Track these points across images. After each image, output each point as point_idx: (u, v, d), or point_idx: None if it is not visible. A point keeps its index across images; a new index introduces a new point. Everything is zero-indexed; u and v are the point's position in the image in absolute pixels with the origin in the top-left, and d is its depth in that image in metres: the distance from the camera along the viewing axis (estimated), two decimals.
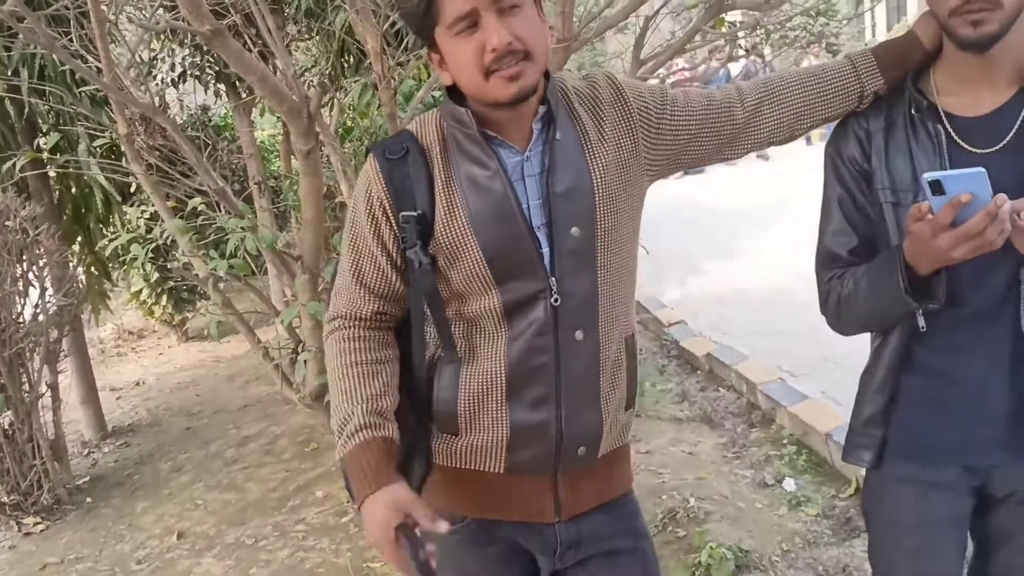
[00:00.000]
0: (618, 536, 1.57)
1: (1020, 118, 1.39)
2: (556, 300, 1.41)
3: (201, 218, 2.87)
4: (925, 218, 1.26)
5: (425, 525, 1.34)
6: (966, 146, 1.40)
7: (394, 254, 1.46)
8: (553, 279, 1.40)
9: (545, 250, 1.41)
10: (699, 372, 5.10)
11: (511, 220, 1.39)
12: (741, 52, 3.23)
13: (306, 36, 4.92)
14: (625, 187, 1.47)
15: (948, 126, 1.43)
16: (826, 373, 4.59)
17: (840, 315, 1.55)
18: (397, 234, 1.44)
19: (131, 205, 6.34)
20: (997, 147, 1.39)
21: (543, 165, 1.41)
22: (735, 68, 10.38)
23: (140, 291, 7.22)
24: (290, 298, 2.84)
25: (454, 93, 1.45)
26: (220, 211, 2.82)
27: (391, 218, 1.44)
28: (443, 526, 1.35)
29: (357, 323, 1.51)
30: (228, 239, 2.44)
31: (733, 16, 3.58)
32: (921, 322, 1.44)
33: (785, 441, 3.93)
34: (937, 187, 1.22)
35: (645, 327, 6.08)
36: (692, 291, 6.87)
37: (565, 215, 1.40)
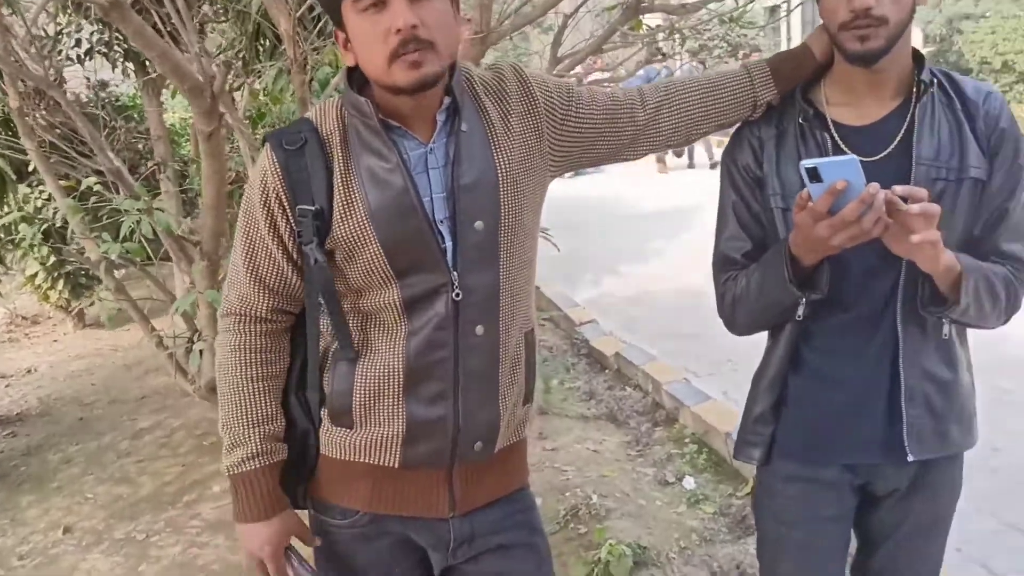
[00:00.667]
0: (512, 530, 1.57)
1: (903, 128, 1.45)
2: (457, 295, 1.39)
3: (95, 199, 2.74)
4: (807, 207, 1.29)
5: (308, 545, 1.56)
6: (852, 153, 1.44)
7: (291, 249, 1.42)
8: (455, 273, 1.39)
9: (448, 244, 1.39)
10: (607, 371, 5.16)
11: (412, 215, 1.36)
12: (658, 56, 3.30)
13: (222, 17, 4.78)
14: (529, 180, 1.46)
15: (835, 134, 1.48)
16: (729, 374, 4.71)
17: (735, 314, 1.58)
18: (294, 228, 1.40)
19: (27, 185, 6.04)
20: (881, 155, 1.45)
21: (447, 157, 1.39)
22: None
23: (35, 275, 6.88)
24: (189, 285, 2.74)
25: (355, 80, 1.41)
26: (119, 193, 2.70)
27: (287, 211, 1.40)
28: (317, 542, 1.56)
29: (252, 325, 1.47)
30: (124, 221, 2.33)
31: (654, 20, 3.63)
32: (800, 312, 1.48)
33: (687, 440, 4.00)
34: (815, 175, 1.26)
35: (556, 325, 6.12)
36: (605, 291, 6.95)
37: (469, 208, 1.39)
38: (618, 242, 8.44)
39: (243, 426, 1.47)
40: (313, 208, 1.37)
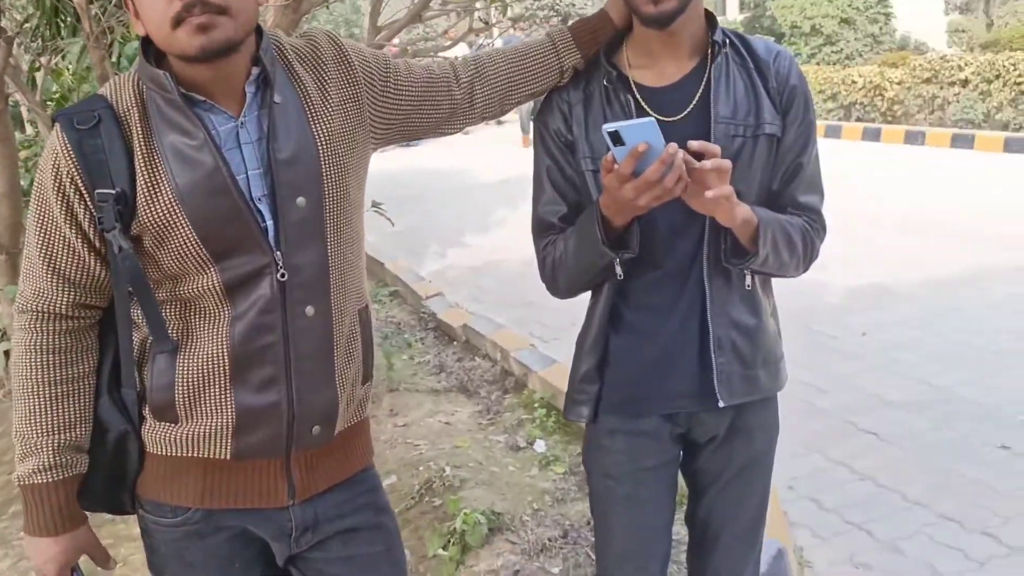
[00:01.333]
0: (358, 512, 1.53)
1: (700, 88, 1.51)
2: (283, 275, 1.33)
3: None
4: (613, 170, 1.32)
5: (101, 566, 1.49)
6: (655, 115, 1.49)
7: (92, 236, 1.32)
8: (279, 253, 1.32)
9: (269, 223, 1.32)
10: (456, 343, 5.17)
11: (224, 193, 1.28)
12: (480, 25, 3.29)
13: None
14: (352, 153, 1.41)
15: (638, 96, 1.52)
16: (572, 337, 4.80)
17: (556, 278, 1.62)
18: (93, 214, 1.30)
19: None
20: (681, 115, 1.51)
21: (261, 131, 1.32)
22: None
23: None
24: None
25: (152, 52, 1.32)
26: None
27: (85, 197, 1.29)
28: (114, 565, 1.50)
29: (51, 323, 1.36)
30: None
31: None
32: (619, 271, 1.52)
33: (536, 405, 4.08)
34: (617, 138, 1.29)
35: (404, 300, 6.08)
36: (450, 263, 6.97)
37: (289, 184, 1.32)
38: (457, 212, 8.47)
39: (37, 434, 1.36)
40: (114, 192, 1.27)
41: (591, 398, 1.64)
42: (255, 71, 1.33)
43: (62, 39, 4.06)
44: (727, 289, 1.55)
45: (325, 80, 1.40)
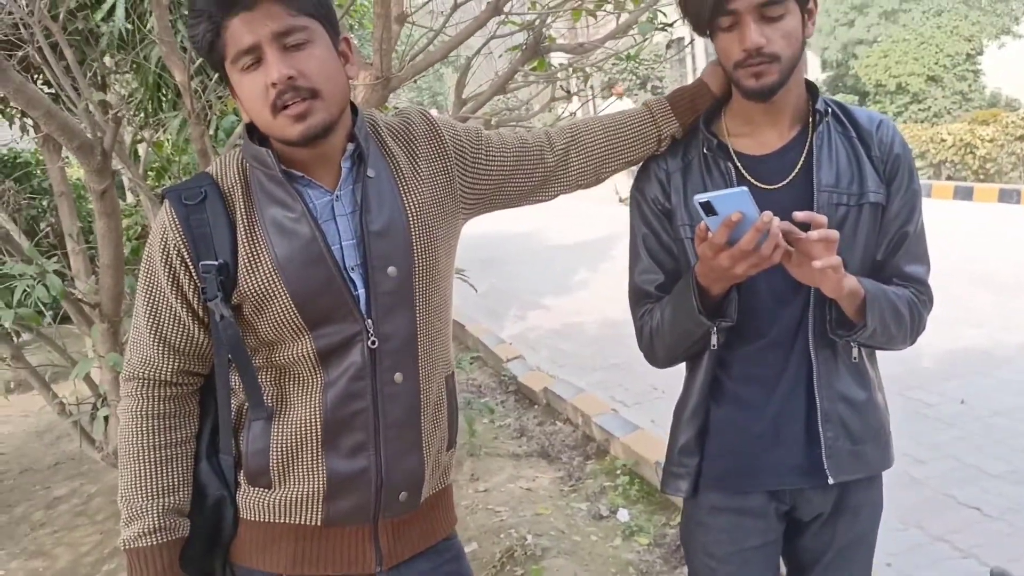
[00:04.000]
0: None
1: (803, 156, 1.49)
2: (373, 343, 1.36)
3: None
4: (707, 239, 1.30)
5: None
6: (755, 182, 1.49)
7: (196, 306, 1.37)
8: (369, 321, 1.36)
9: (360, 291, 1.36)
10: (537, 406, 5.14)
11: (320, 263, 1.33)
12: (562, 93, 3.34)
13: (123, 70, 4.67)
14: (441, 224, 1.44)
15: (738, 163, 1.51)
16: (655, 402, 4.74)
17: (653, 347, 1.59)
18: (198, 284, 1.35)
19: None
20: (783, 183, 1.49)
21: (355, 204, 1.37)
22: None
23: None
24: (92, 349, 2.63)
25: (256, 131, 1.38)
26: (11, 257, 2.58)
27: (190, 268, 1.35)
28: None
29: (157, 389, 1.41)
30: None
31: (559, 58, 3.68)
32: (714, 340, 1.49)
33: (619, 472, 4.00)
34: (709, 208, 1.27)
35: (484, 363, 6.09)
36: (530, 325, 6.96)
37: (381, 254, 1.36)
38: (541, 275, 8.49)
39: (143, 498, 1.39)
40: (217, 263, 1.33)
41: (691, 472, 1.59)
42: (350, 147, 1.38)
43: (163, 113, 4.29)
44: (834, 361, 1.51)
45: (416, 154, 1.45)
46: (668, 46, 4.62)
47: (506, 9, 2.34)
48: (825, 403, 1.50)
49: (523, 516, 3.69)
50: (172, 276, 1.36)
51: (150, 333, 1.39)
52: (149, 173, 4.10)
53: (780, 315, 1.49)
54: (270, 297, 1.33)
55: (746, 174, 1.50)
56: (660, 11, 2.49)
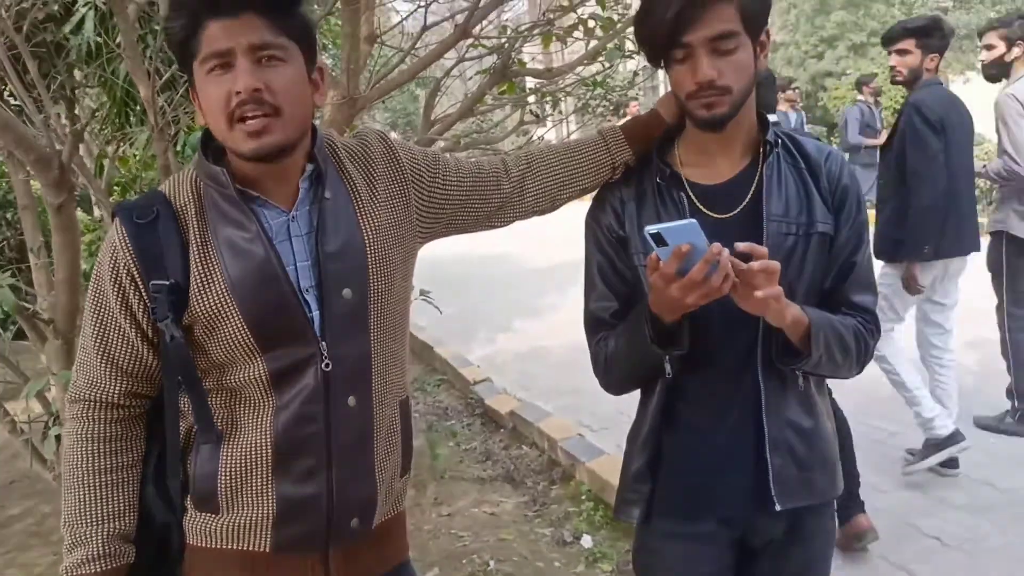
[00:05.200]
0: None
1: (753, 186, 1.51)
2: (327, 365, 1.34)
3: None
4: (658, 268, 1.31)
5: None
6: (707, 212, 1.50)
7: (145, 327, 1.35)
8: (323, 343, 1.34)
9: (315, 313, 1.34)
10: (503, 430, 5.11)
11: (275, 283, 1.31)
12: (531, 117, 3.36)
13: (92, 84, 4.62)
14: (397, 247, 1.43)
15: (691, 193, 1.52)
16: (622, 427, 4.71)
17: (608, 374, 1.59)
18: (147, 305, 1.33)
19: None
20: (735, 212, 1.50)
21: (311, 225, 1.36)
22: None
23: None
24: (44, 367, 2.57)
25: (211, 149, 1.37)
26: None
27: (140, 287, 1.33)
28: None
29: (103, 412, 1.38)
30: None
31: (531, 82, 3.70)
32: (668, 369, 1.50)
33: (584, 497, 3.98)
34: (660, 239, 1.28)
35: (452, 385, 6.06)
36: (499, 348, 6.94)
37: (336, 276, 1.35)
38: (506, 298, 8.48)
39: (87, 524, 1.36)
40: (167, 283, 1.30)
41: (643, 498, 1.59)
42: (309, 167, 1.37)
43: (131, 127, 4.24)
44: (782, 389, 1.52)
45: (374, 177, 1.44)
46: (636, 73, 4.66)
47: (476, 32, 2.34)
48: (773, 430, 1.51)
49: (486, 541, 3.66)
50: (121, 295, 1.34)
51: (97, 353, 1.36)
52: (115, 188, 4.04)
53: (732, 343, 1.50)
54: (222, 318, 1.31)
55: (698, 203, 1.51)
56: (628, 38, 2.51)
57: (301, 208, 1.37)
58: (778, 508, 1.51)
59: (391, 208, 1.44)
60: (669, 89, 1.54)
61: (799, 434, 1.53)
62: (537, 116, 3.09)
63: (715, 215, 1.49)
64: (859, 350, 1.52)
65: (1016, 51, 4.19)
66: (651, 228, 1.27)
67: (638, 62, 2.80)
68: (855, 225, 1.52)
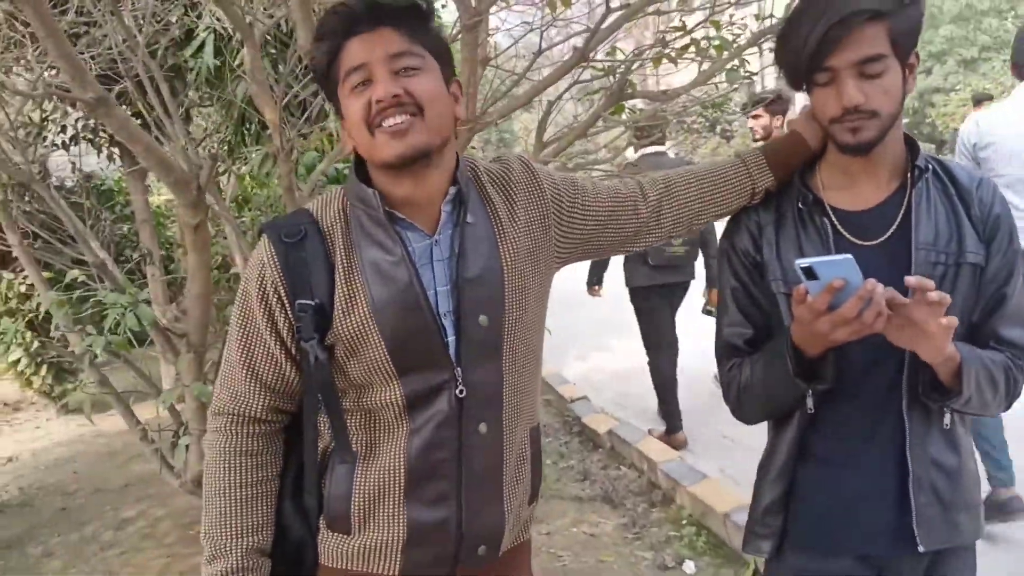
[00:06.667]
0: None
1: (901, 212, 1.45)
2: (461, 391, 1.34)
3: (80, 290, 2.70)
4: (805, 301, 1.27)
5: None
6: (851, 238, 1.45)
7: (289, 345, 1.37)
8: (459, 369, 1.34)
9: (451, 339, 1.35)
10: (601, 449, 5.08)
11: (416, 310, 1.32)
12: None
13: (207, 103, 4.82)
14: (535, 273, 1.43)
15: (834, 219, 1.47)
16: (724, 451, 4.64)
17: (742, 404, 1.55)
18: (293, 324, 1.35)
19: (10, 271, 6.00)
20: (881, 239, 1.45)
21: (452, 250, 1.36)
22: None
23: (18, 360, 6.77)
24: (175, 377, 2.68)
25: (361, 171, 1.40)
26: (103, 283, 2.66)
27: (286, 307, 1.35)
28: None
29: (245, 426, 1.41)
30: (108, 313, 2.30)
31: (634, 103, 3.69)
32: (809, 403, 1.46)
33: (685, 521, 3.91)
34: (810, 273, 1.25)
35: (548, 403, 6.05)
36: (593, 366, 6.90)
37: (473, 302, 1.35)
38: (599, 315, 8.41)
39: (227, 537, 1.39)
40: (314, 303, 1.33)
41: (775, 532, 1.54)
42: (452, 190, 1.38)
43: (245, 147, 4.41)
44: (927, 425, 1.46)
45: (515, 202, 1.44)
46: (755, 103, 4.63)
47: (591, 56, 2.35)
48: (917, 468, 1.45)
49: (586, 562, 3.64)
50: (268, 313, 1.36)
51: (243, 368, 1.39)
52: (229, 205, 4.21)
53: (873, 376, 1.45)
54: (363, 341, 1.32)
55: (842, 229, 1.47)
56: (745, 60, 2.48)
57: (444, 232, 1.37)
58: (922, 549, 1.46)
59: (530, 234, 1.44)
60: (804, 109, 1.51)
61: (944, 473, 1.47)
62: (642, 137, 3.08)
63: (859, 241, 1.44)
64: (1008, 387, 1.45)
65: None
66: (803, 261, 1.24)
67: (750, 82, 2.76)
68: (1007, 255, 1.46)
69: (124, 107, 3.90)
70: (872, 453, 1.48)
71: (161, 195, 8.47)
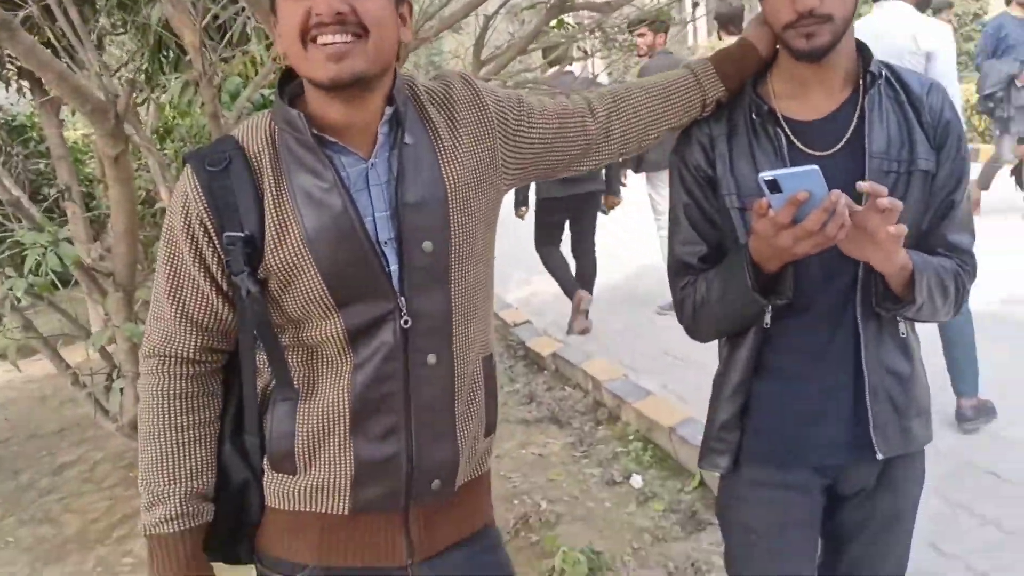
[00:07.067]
0: (478, 573, 1.46)
1: (854, 121, 1.43)
2: (406, 322, 1.28)
3: None
4: (767, 215, 1.25)
5: None
6: (805, 148, 1.43)
7: (220, 280, 1.30)
8: (402, 299, 1.28)
9: (393, 267, 1.28)
10: (546, 372, 5.12)
11: (352, 237, 1.25)
12: (579, 54, 3.26)
13: (120, 30, 4.55)
14: (482, 196, 1.36)
15: (787, 130, 1.45)
16: (667, 368, 4.71)
17: (697, 322, 1.54)
18: (222, 257, 1.27)
19: None
20: (834, 149, 1.43)
21: (390, 172, 1.28)
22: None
23: None
24: (105, 318, 2.57)
25: (287, 93, 1.30)
26: (20, 223, 2.51)
27: (214, 239, 1.27)
28: None
29: (179, 367, 1.34)
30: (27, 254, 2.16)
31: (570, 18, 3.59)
32: (767, 319, 1.45)
33: (631, 437, 3.98)
34: (774, 186, 1.22)
35: None
36: (536, 289, 6.91)
37: (416, 228, 1.28)
38: None
39: (165, 482, 1.33)
40: (243, 235, 1.25)
41: (731, 447, 1.55)
42: (388, 110, 1.29)
43: (164, 75, 4.19)
44: (880, 334, 1.47)
45: (456, 121, 1.36)
46: (696, 4, 4.55)
47: None
48: (873, 377, 1.46)
49: (535, 482, 3.68)
50: (195, 247, 1.28)
51: (171, 307, 1.32)
52: (151, 137, 4.02)
53: (828, 288, 1.45)
54: (298, 272, 1.26)
55: (795, 140, 1.44)
56: None
57: (380, 154, 1.29)
58: (879, 457, 1.48)
59: (475, 154, 1.36)
60: (754, 17, 1.46)
61: (898, 380, 1.49)
62: (586, 53, 3.00)
63: (812, 152, 1.42)
64: (958, 293, 1.46)
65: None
66: (766, 175, 1.21)
67: None
68: (956, 162, 1.45)
69: (32, 35, 3.66)
70: (827, 364, 1.48)
71: (77, 130, 8.10)
